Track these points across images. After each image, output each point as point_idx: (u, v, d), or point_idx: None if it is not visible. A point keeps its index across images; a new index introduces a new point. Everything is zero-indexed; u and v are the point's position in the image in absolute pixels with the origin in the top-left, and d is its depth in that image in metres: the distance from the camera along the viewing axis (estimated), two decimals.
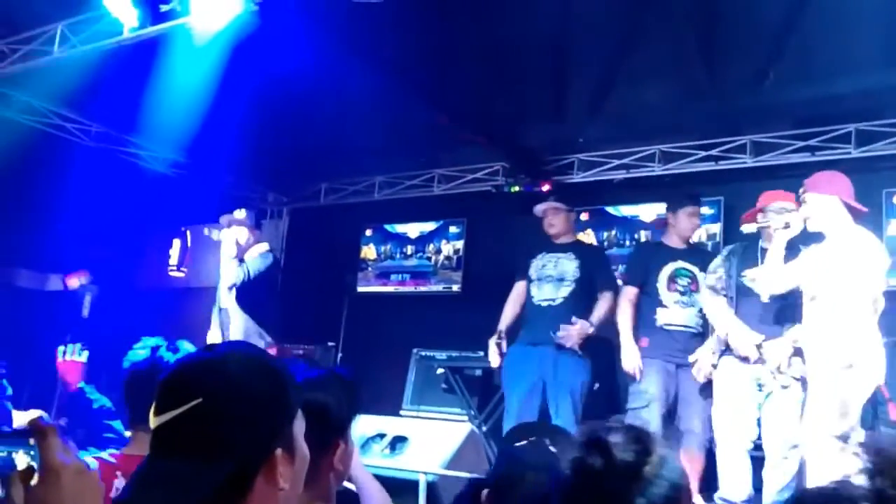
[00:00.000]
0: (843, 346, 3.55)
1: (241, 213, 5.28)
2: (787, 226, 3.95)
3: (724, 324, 4.08)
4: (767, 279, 3.94)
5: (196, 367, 1.11)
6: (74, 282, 6.15)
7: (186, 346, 2.05)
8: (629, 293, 4.78)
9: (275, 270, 5.15)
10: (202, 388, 1.06)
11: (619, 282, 5.04)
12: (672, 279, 4.63)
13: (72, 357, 2.85)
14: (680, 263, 4.68)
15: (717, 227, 6.42)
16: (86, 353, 2.86)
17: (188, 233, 8.45)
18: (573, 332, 4.79)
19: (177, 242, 8.30)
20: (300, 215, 8.47)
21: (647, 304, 4.66)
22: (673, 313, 4.57)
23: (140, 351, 2.01)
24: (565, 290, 5.03)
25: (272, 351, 4.86)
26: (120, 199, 7.27)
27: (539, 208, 5.45)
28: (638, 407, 4.42)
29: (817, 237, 3.89)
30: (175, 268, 8.31)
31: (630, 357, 4.56)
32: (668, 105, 6.32)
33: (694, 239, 5.15)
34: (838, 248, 3.72)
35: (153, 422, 1.07)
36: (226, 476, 1.02)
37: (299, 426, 1.14)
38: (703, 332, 4.53)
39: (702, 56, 6.12)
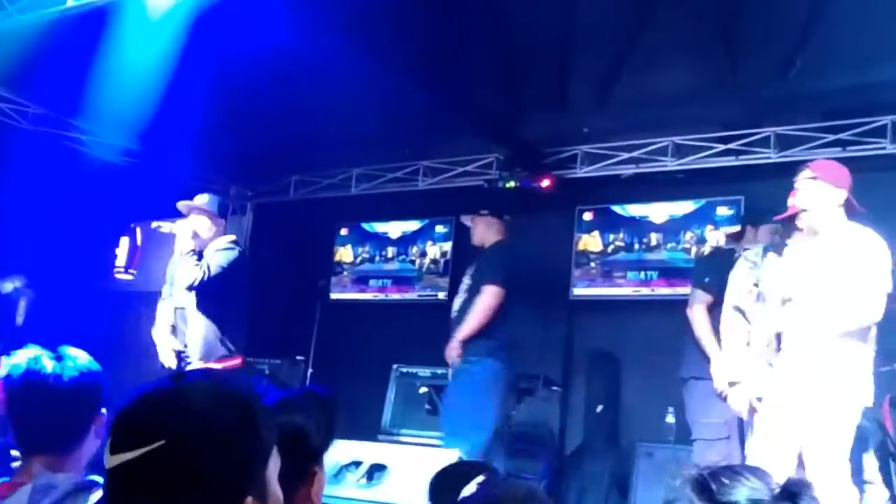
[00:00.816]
0: (838, 361, 3.58)
1: (202, 199, 5.09)
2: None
3: (723, 348, 4.16)
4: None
5: (158, 401, 1.07)
6: (7, 285, 6.06)
7: (72, 353, 1.99)
8: (705, 300, 4.72)
9: (240, 267, 4.88)
10: (164, 428, 1.03)
11: (691, 288, 5.07)
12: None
13: None
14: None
15: (736, 230, 6.42)
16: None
17: (138, 230, 8.38)
18: (448, 350, 5.21)
19: (125, 241, 8.23)
20: (266, 211, 8.42)
21: (719, 318, 4.42)
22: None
23: (14, 360, 1.95)
24: (459, 301, 5.43)
25: (235, 362, 4.78)
26: (60, 191, 7.19)
27: (465, 219, 5.74)
28: (713, 439, 4.35)
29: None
30: (122, 269, 8.23)
31: (724, 373, 4.16)
32: (682, 93, 6.34)
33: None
34: (832, 246, 3.71)
35: (108, 461, 1.05)
36: None
37: (273, 467, 1.12)
38: None
39: (721, 39, 6.15)
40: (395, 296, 7.95)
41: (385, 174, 7.70)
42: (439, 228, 7.87)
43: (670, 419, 6.05)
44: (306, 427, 1.57)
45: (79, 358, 1.98)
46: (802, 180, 3.83)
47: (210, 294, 4.76)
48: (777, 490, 1.17)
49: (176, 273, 4.95)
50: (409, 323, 7.66)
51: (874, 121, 5.86)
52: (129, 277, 8.21)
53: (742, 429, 4.28)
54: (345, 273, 8.21)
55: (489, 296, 5.19)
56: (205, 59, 5.64)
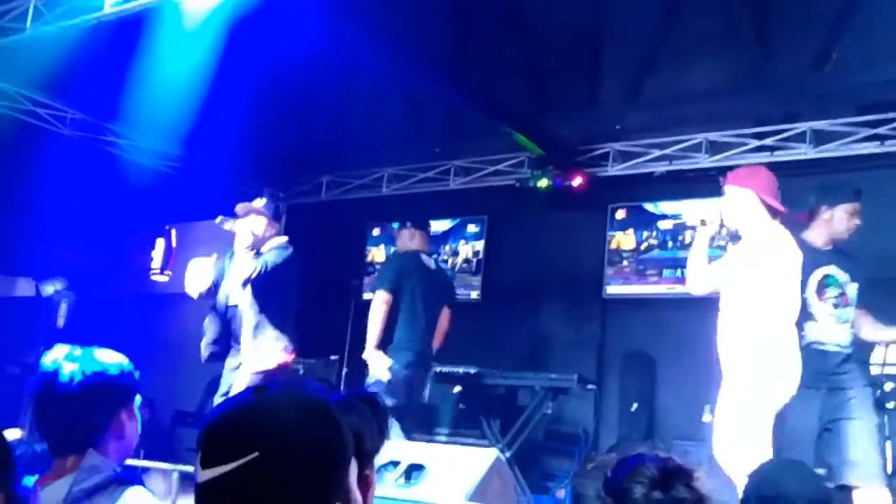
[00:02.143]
0: (759, 352, 3.72)
1: (259, 202, 5.18)
2: (703, 222, 4.16)
3: None
4: (688, 278, 4.22)
5: (246, 415, 1.10)
6: (48, 288, 6.17)
7: (89, 355, 2.03)
8: None
9: (293, 266, 5.01)
10: (258, 440, 1.05)
11: None
12: (823, 287, 4.17)
13: None
14: (831, 269, 4.18)
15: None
16: None
17: (173, 232, 8.50)
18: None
19: (160, 243, 8.35)
20: (299, 212, 8.47)
21: None
22: (826, 329, 4.12)
23: (46, 360, 2.00)
24: None
25: (287, 359, 4.89)
26: (99, 195, 7.30)
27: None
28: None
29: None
30: (158, 271, 8.36)
31: None
32: (715, 88, 6.31)
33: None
34: (751, 247, 3.90)
35: (199, 475, 1.07)
36: None
37: (353, 472, 1.15)
38: (852, 353, 4.15)
39: (754, 33, 6.11)
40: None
41: (416, 174, 7.73)
42: (471, 228, 7.88)
43: (707, 418, 6.00)
44: (361, 429, 1.60)
45: (95, 359, 2.01)
46: (724, 186, 4.06)
47: (264, 290, 4.86)
48: (655, 476, 1.21)
49: (233, 269, 5.06)
50: None
51: None
52: (165, 279, 8.33)
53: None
54: (377, 273, 8.25)
55: (374, 301, 5.38)
56: (237, 64, 5.71)
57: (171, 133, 6.94)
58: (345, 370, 7.20)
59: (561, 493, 6.15)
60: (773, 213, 3.95)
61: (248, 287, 4.85)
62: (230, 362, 4.96)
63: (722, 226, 4.17)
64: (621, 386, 6.93)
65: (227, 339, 5.05)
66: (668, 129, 6.66)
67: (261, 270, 4.77)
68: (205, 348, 5.09)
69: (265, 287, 4.83)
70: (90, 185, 7.12)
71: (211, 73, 5.55)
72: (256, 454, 1.04)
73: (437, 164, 7.60)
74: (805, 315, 4.06)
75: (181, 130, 6.70)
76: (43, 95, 6.63)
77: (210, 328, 5.15)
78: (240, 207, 5.13)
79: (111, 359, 2.05)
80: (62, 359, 2.00)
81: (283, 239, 5.12)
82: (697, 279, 4.16)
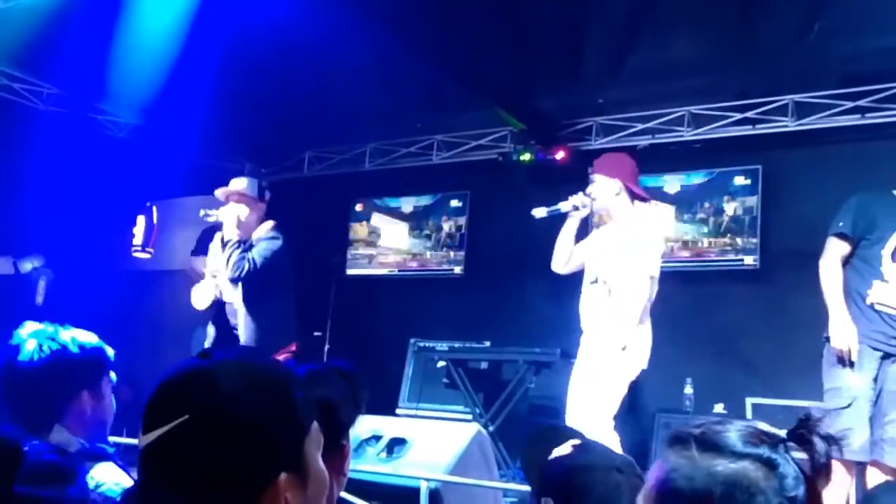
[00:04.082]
0: (620, 329, 4.15)
1: (240, 183, 4.80)
2: (575, 207, 4.48)
3: None
4: (554, 259, 4.63)
5: (183, 379, 1.07)
6: (27, 265, 6.09)
7: (53, 333, 1.99)
8: (842, 249, 4.00)
9: (284, 255, 4.69)
10: (189, 405, 1.03)
11: (831, 235, 4.08)
12: None
13: None
14: None
15: (753, 200, 6.38)
16: None
17: (154, 209, 8.41)
18: None
19: (141, 219, 8.26)
20: (280, 188, 8.36)
21: (857, 270, 3.98)
22: (893, 292, 3.89)
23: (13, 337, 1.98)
24: None
25: (288, 353, 4.63)
26: (77, 171, 7.21)
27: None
28: (838, 408, 3.85)
29: None
30: (139, 248, 8.28)
31: (844, 332, 3.85)
32: (698, 61, 6.27)
33: None
34: (618, 232, 4.32)
35: (140, 442, 1.05)
36: None
37: (314, 444, 1.12)
38: None
39: (738, 6, 6.06)
40: (411, 271, 7.95)
41: (398, 149, 7.68)
42: (454, 203, 7.84)
43: (688, 390, 6.05)
44: (333, 400, 1.58)
45: (58, 337, 1.98)
46: (590, 175, 4.50)
47: (255, 287, 4.63)
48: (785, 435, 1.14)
49: (220, 266, 4.75)
50: (426, 298, 7.67)
51: (894, 86, 5.78)
52: (147, 256, 8.26)
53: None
54: (360, 249, 8.22)
55: None
56: (215, 34, 5.61)
57: (150, 109, 6.85)
58: (327, 346, 7.18)
59: None
60: (636, 197, 4.41)
61: (239, 285, 4.63)
62: None
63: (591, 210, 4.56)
64: None
65: (226, 336, 4.88)
66: (651, 103, 6.64)
67: (249, 269, 4.51)
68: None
69: (255, 284, 4.60)
70: (68, 161, 7.03)
71: (188, 42, 5.46)
72: (187, 417, 1.02)
73: (420, 139, 7.56)
74: (876, 273, 3.90)
75: (160, 106, 6.61)
76: (19, 70, 6.52)
77: (211, 330, 5.03)
78: (219, 193, 4.82)
79: (76, 337, 2.02)
80: (26, 336, 1.98)
81: (269, 225, 4.82)
82: (561, 260, 4.63)
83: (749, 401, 5.73)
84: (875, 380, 3.87)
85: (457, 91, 6.65)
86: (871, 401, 3.85)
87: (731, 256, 6.43)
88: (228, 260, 4.57)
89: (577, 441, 1.79)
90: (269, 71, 6.50)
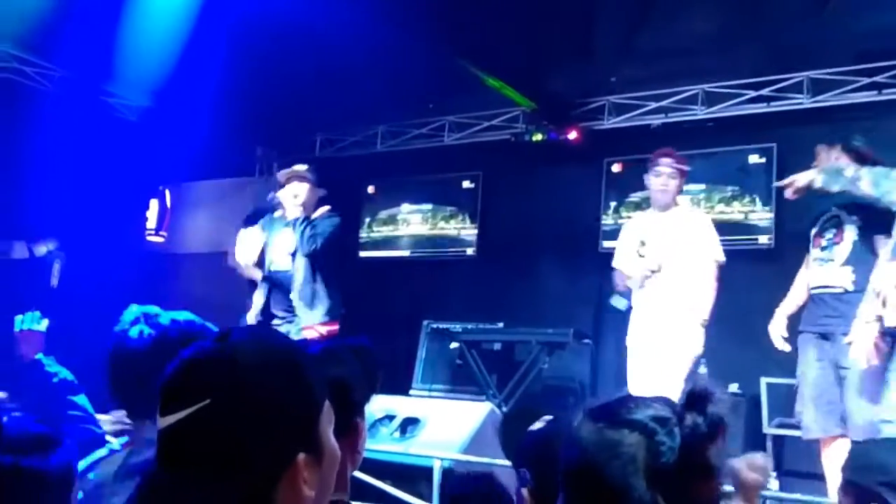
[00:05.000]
0: (702, 307, 4.41)
1: (301, 167, 5.18)
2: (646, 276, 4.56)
3: None
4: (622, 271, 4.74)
5: (203, 361, 1.07)
6: (41, 248, 6.12)
7: (155, 315, 1.93)
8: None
9: (339, 234, 5.09)
10: (210, 388, 1.03)
11: None
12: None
13: (30, 326, 2.85)
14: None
15: (768, 179, 6.31)
16: (45, 322, 2.86)
17: (167, 192, 8.44)
18: None
19: (154, 203, 8.29)
20: None
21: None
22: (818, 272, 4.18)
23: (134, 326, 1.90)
24: None
25: (335, 327, 4.86)
26: (90, 155, 7.21)
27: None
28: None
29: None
30: (153, 232, 8.31)
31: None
32: (712, 39, 6.20)
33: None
34: (679, 220, 4.52)
35: (158, 423, 1.05)
36: (241, 491, 1.01)
37: (326, 421, 1.12)
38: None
39: None
40: (425, 252, 7.94)
41: (410, 130, 7.66)
42: (466, 184, 7.82)
43: (703, 370, 6.02)
44: (347, 378, 1.57)
45: (160, 321, 1.92)
46: (665, 166, 4.56)
47: (319, 261, 4.90)
48: (682, 402, 1.24)
49: (277, 238, 5.10)
50: (439, 279, 7.66)
51: None
52: (160, 239, 8.29)
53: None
54: (373, 231, 8.21)
55: None
56: (226, 15, 5.60)
57: (162, 92, 6.84)
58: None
59: None
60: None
61: (301, 258, 4.88)
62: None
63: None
64: (617, 340, 6.90)
65: (269, 309, 5.12)
66: (663, 82, 6.59)
67: (318, 245, 4.81)
68: (253, 319, 5.10)
69: (320, 259, 4.87)
70: (81, 144, 7.03)
71: (198, 29, 5.45)
72: (208, 401, 1.02)
73: (432, 120, 7.54)
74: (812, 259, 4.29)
75: (172, 89, 6.61)
76: (28, 53, 6.53)
77: (258, 300, 5.17)
78: (281, 174, 5.19)
79: (178, 318, 1.96)
80: (130, 321, 1.92)
81: (326, 207, 5.13)
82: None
83: (763, 380, 5.72)
84: (820, 360, 4.03)
85: (468, 71, 6.60)
86: (814, 382, 4.03)
87: (746, 236, 6.38)
88: (303, 235, 4.86)
89: (548, 417, 1.86)
90: (279, 53, 6.46)
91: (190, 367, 1.07)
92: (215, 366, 1.06)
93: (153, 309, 1.96)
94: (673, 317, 4.41)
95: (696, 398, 1.23)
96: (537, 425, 1.81)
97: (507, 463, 4.15)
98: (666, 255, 4.47)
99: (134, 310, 1.95)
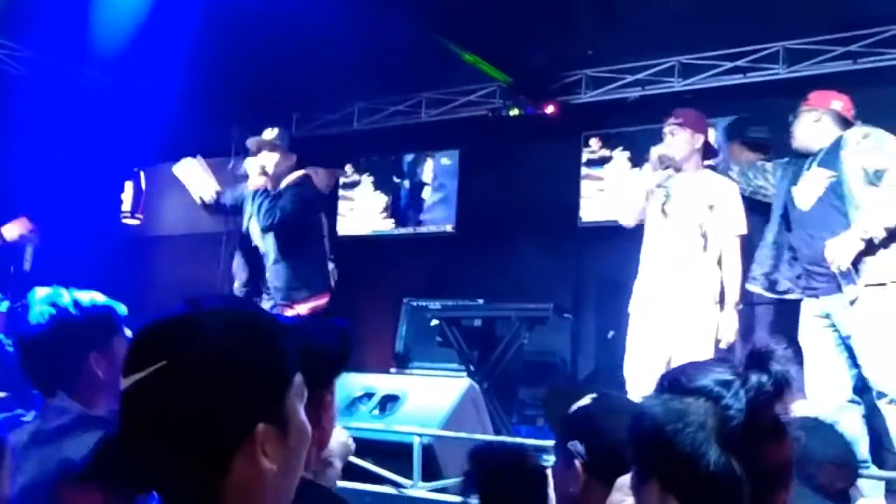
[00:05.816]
0: (735, 285, 4.22)
1: (271, 133, 4.87)
2: (662, 161, 4.43)
3: None
4: (626, 212, 4.70)
5: (166, 324, 1.07)
6: (13, 231, 6.06)
7: (53, 296, 1.97)
8: None
9: (313, 202, 4.75)
10: (169, 350, 1.03)
11: None
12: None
13: None
14: None
15: None
16: (5, 304, 2.87)
17: (142, 174, 8.34)
18: None
19: (129, 185, 8.20)
20: None
21: None
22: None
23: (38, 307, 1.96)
24: None
25: (322, 301, 4.66)
26: (63, 138, 7.13)
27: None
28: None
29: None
30: (129, 214, 8.22)
31: None
32: (687, 9, 6.17)
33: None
34: (702, 185, 4.32)
35: (121, 383, 1.04)
36: (195, 457, 1.00)
37: (296, 395, 1.10)
38: None
39: None
40: (403, 230, 7.91)
41: (387, 107, 7.61)
42: (444, 161, 7.79)
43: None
44: (316, 353, 1.55)
45: (60, 299, 1.96)
46: (670, 125, 4.43)
47: (284, 237, 4.64)
48: (744, 364, 1.22)
49: (252, 210, 4.75)
50: (418, 256, 7.65)
51: (887, 30, 5.70)
52: (136, 222, 8.21)
53: None
54: (350, 209, 8.18)
55: None
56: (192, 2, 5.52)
57: (134, 71, 6.75)
58: None
59: (540, 422, 6.21)
60: (706, 157, 4.49)
61: (270, 233, 4.65)
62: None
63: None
64: (598, 314, 6.94)
65: (256, 282, 4.91)
66: (639, 54, 6.57)
67: (277, 219, 4.51)
68: (238, 293, 4.96)
69: (284, 234, 4.61)
70: (52, 126, 6.95)
71: (167, 8, 5.36)
72: (164, 363, 1.01)
73: (408, 96, 7.49)
74: None
75: (144, 68, 6.52)
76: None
77: (239, 272, 5.00)
78: (251, 142, 4.89)
79: (78, 298, 1.98)
80: (31, 303, 1.97)
81: (299, 173, 4.81)
82: (634, 214, 4.59)
83: None
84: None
85: (443, 46, 6.55)
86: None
87: None
88: (259, 208, 4.57)
89: (594, 394, 1.87)
90: (253, 30, 6.38)
91: (152, 331, 1.07)
92: (176, 328, 1.06)
93: (58, 290, 1.99)
94: (692, 297, 4.24)
95: (758, 357, 1.21)
96: (585, 401, 1.84)
97: (487, 438, 4.17)
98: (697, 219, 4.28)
99: (40, 291, 1.98)
